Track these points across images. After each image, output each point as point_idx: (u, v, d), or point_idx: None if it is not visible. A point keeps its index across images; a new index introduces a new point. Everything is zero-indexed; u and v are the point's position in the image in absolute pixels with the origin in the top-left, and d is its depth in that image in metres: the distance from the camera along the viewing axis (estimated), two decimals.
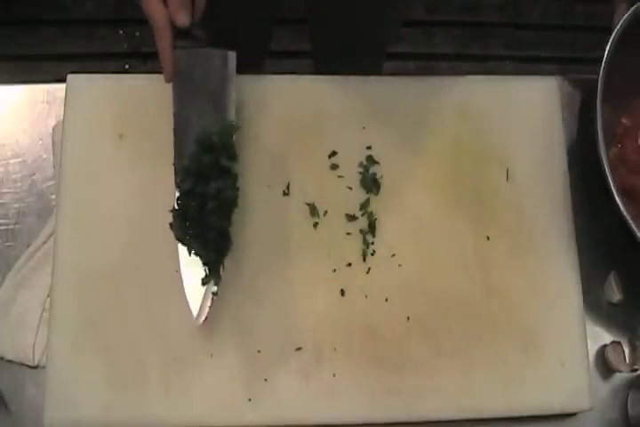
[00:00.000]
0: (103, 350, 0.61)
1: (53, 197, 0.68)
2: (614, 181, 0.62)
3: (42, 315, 0.64)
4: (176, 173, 0.60)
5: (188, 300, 0.59)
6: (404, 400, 0.62)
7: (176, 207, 0.58)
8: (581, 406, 0.64)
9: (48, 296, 0.64)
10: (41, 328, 0.64)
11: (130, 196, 0.65)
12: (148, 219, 0.64)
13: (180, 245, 0.59)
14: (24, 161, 0.69)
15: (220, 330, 0.63)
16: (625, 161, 0.69)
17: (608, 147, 0.67)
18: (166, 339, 0.62)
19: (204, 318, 0.59)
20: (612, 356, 0.66)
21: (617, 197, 0.61)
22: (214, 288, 0.59)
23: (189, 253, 0.58)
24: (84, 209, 0.65)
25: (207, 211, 0.57)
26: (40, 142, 0.70)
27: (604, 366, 0.67)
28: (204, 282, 0.59)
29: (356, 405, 0.62)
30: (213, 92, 0.61)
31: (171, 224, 0.58)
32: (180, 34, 0.59)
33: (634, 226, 0.61)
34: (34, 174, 0.69)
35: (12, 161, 0.69)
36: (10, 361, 0.63)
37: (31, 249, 0.66)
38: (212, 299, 0.59)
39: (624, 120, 0.71)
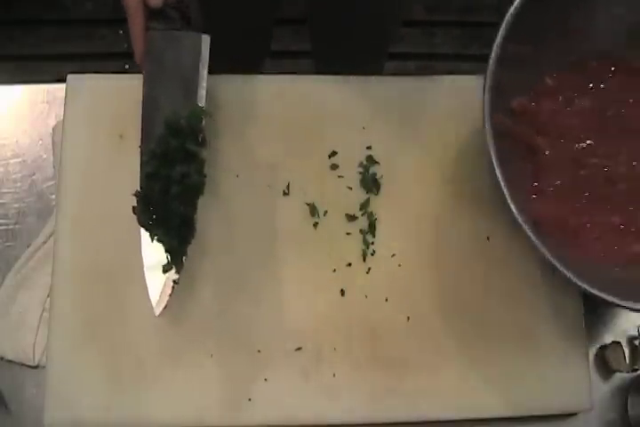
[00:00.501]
0: (103, 350, 0.61)
1: (53, 197, 0.68)
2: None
3: (42, 315, 0.64)
4: (142, 156, 0.59)
5: (148, 289, 0.58)
6: (404, 400, 0.62)
7: (139, 191, 0.56)
8: (581, 406, 0.64)
9: (48, 296, 0.64)
10: (41, 328, 0.64)
11: (130, 196, 0.65)
12: None
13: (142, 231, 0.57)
14: (24, 161, 0.69)
15: (219, 330, 0.63)
16: (534, 119, 0.64)
17: (511, 96, 0.63)
18: (166, 339, 0.62)
19: (163, 306, 0.58)
20: (611, 356, 0.66)
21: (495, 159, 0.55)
22: (175, 276, 0.58)
23: (152, 240, 0.56)
24: (84, 209, 0.65)
25: (171, 196, 0.55)
26: (40, 142, 0.70)
27: (604, 366, 0.67)
28: (165, 270, 0.57)
29: (355, 405, 0.62)
30: (185, 76, 0.60)
31: (134, 208, 0.56)
32: (154, 15, 0.59)
33: (498, 168, 0.55)
34: (34, 174, 0.69)
35: (11, 161, 0.69)
36: (10, 361, 0.64)
37: (31, 249, 0.66)
38: (173, 288, 0.58)
39: (548, 80, 0.65)
